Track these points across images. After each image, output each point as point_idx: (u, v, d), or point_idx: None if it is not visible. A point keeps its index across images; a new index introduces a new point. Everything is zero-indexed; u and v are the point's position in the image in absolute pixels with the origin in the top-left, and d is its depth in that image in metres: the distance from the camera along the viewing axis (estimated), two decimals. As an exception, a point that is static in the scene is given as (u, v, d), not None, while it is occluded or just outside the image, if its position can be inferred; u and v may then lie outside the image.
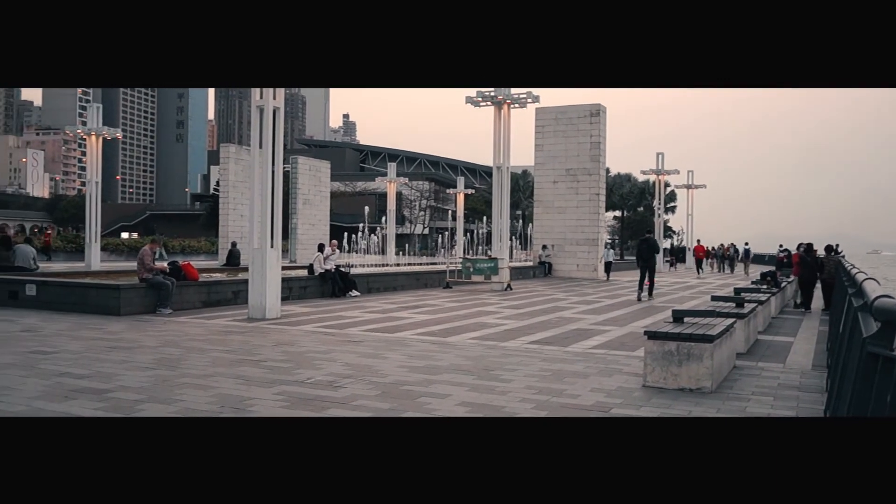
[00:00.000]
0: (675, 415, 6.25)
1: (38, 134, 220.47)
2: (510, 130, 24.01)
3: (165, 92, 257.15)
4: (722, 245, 46.61)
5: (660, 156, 47.52)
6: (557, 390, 7.20)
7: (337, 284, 18.84)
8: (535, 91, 23.99)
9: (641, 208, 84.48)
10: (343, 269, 19.76)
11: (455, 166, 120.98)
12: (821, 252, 19.33)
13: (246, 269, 15.28)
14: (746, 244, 44.64)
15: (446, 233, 59.86)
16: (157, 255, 16.44)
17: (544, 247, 33.64)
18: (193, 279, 15.92)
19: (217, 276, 20.01)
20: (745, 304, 10.93)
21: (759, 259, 55.25)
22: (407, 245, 56.44)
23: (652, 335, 7.51)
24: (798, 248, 21.07)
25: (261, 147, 13.93)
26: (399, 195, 55.57)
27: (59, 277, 17.33)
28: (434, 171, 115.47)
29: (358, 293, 19.29)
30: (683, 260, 51.68)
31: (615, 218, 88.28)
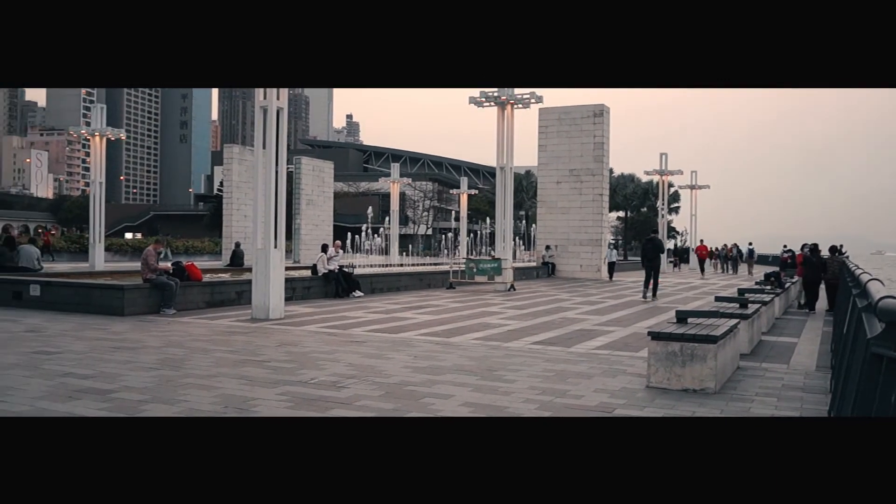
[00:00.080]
0: (679, 415, 6.24)
1: (42, 134, 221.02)
2: (513, 131, 24.01)
3: (169, 92, 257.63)
4: (725, 245, 46.52)
5: (663, 156, 47.48)
6: (561, 391, 7.20)
7: (340, 285, 18.84)
8: (539, 91, 23.99)
9: (645, 209, 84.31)
10: (346, 270, 19.77)
11: (458, 167, 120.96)
12: (825, 253, 19.29)
13: (249, 270, 15.30)
14: (750, 244, 44.54)
15: (450, 233, 59.85)
16: (161, 255, 16.47)
17: (548, 247, 33.62)
18: (197, 279, 15.95)
19: (221, 277, 20.04)
20: (749, 305, 10.91)
21: (763, 260, 55.14)
22: (410, 245, 56.44)
23: (656, 336, 7.50)
24: (802, 248, 21.05)
25: (264, 147, 13.95)
26: (402, 195, 55.64)
27: (62, 278, 17.38)
28: (437, 171, 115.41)
29: (361, 293, 19.30)
30: (687, 260, 51.59)
31: (618, 218, 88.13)
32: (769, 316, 13.36)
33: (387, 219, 45.22)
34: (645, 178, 67.30)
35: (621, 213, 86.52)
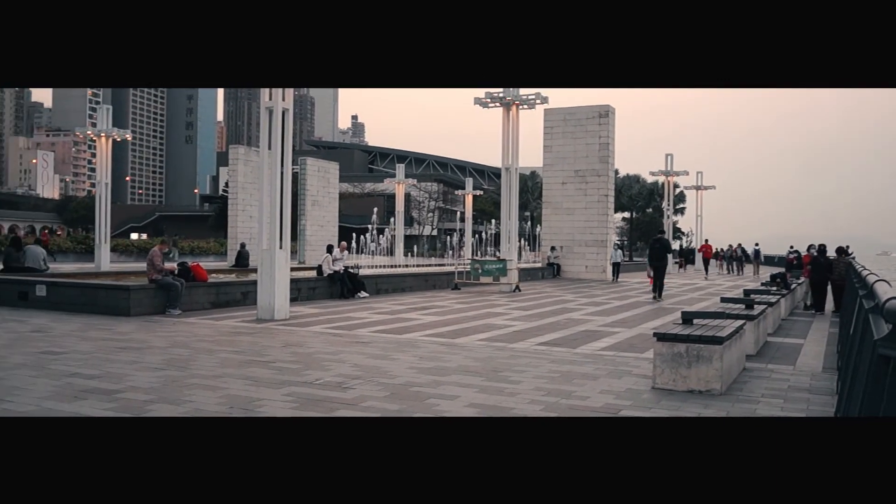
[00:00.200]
0: (685, 416, 6.22)
1: (48, 135, 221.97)
2: (519, 132, 23.98)
3: (174, 93, 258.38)
4: (730, 246, 46.38)
5: (669, 157, 47.38)
6: (566, 392, 7.19)
7: (345, 285, 18.86)
8: (544, 92, 23.94)
9: (650, 209, 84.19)
10: (352, 271, 19.78)
11: (463, 167, 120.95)
12: (831, 254, 19.22)
13: (255, 271, 15.33)
14: (756, 245, 44.43)
15: (455, 234, 59.85)
16: (170, 255, 16.52)
17: (553, 248, 33.58)
18: (202, 280, 15.98)
19: (226, 277, 20.08)
20: (755, 306, 10.88)
21: (769, 260, 54.99)
22: (415, 246, 56.43)
23: (661, 337, 7.48)
24: (808, 249, 20.96)
25: (270, 148, 13.97)
26: (407, 196, 55.68)
27: (68, 278, 17.42)
28: (442, 172, 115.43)
29: (366, 294, 19.31)
30: (693, 261, 51.49)
31: (624, 219, 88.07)
32: (775, 317, 13.32)
33: (392, 220, 45.23)
34: (650, 179, 67.30)
35: (626, 214, 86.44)
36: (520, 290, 22.50)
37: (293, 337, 11.25)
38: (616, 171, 50.21)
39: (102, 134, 30.17)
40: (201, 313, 14.53)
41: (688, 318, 8.13)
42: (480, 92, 24.53)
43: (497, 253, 29.60)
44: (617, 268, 31.84)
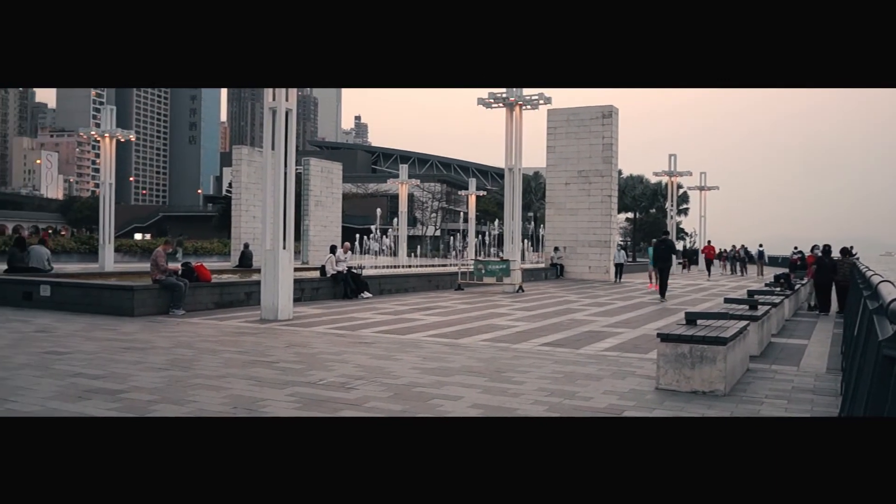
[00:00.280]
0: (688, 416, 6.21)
1: (52, 136, 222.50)
2: (522, 132, 23.97)
3: (178, 94, 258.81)
4: (734, 247, 46.32)
5: (672, 157, 47.31)
6: (570, 392, 7.18)
7: (349, 286, 18.87)
8: (547, 92, 23.95)
9: (654, 210, 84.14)
10: (355, 271, 19.79)
11: (467, 168, 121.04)
12: (836, 254, 19.18)
13: (258, 271, 15.33)
14: (760, 246, 44.37)
15: (458, 234, 59.87)
16: (175, 255, 16.56)
17: (556, 248, 33.56)
18: (206, 280, 16.00)
19: (229, 278, 20.11)
20: (759, 307, 10.86)
21: (773, 261, 54.91)
22: (419, 247, 56.45)
23: (665, 337, 7.47)
24: (812, 249, 20.94)
25: (273, 149, 13.98)
26: (411, 197, 55.62)
27: (73, 278, 17.46)
28: (446, 172, 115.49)
29: (370, 295, 19.32)
30: (696, 262, 51.44)
31: (627, 220, 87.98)
32: (779, 318, 13.29)
33: (395, 220, 45.25)
34: (654, 180, 67.17)
35: (630, 215, 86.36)
36: (523, 291, 22.49)
37: (297, 337, 11.26)
38: (619, 172, 50.20)
39: (106, 134, 30.23)
40: (205, 313, 14.55)
41: (691, 318, 8.11)
42: (484, 92, 24.55)
43: (500, 253, 29.61)
44: (620, 269, 31.81)
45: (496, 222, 53.38)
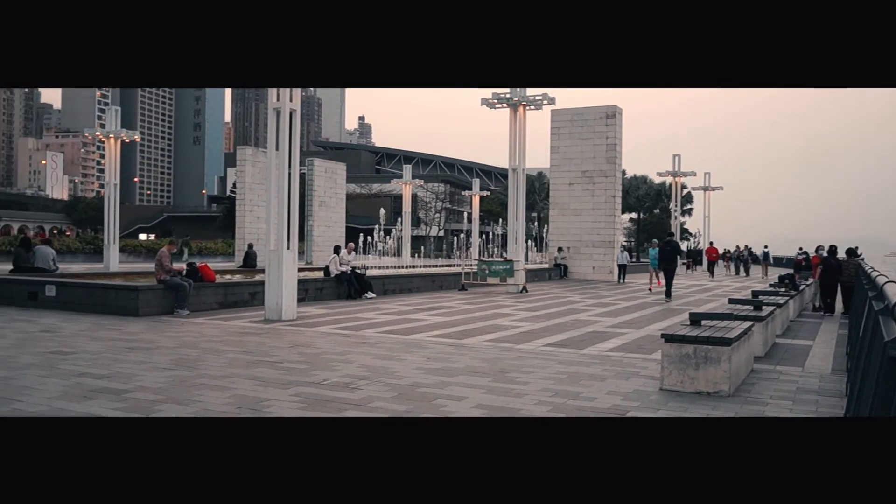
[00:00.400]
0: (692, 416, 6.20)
1: (57, 136, 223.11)
2: (526, 132, 23.96)
3: (182, 94, 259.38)
4: (737, 247, 46.24)
5: (676, 157, 47.29)
6: (574, 393, 7.18)
7: (353, 286, 18.89)
8: (551, 93, 23.92)
9: (657, 210, 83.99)
10: (359, 271, 19.81)
11: (470, 168, 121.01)
12: (841, 255, 19.13)
13: (262, 271, 15.37)
14: (766, 247, 44.28)
15: (462, 235, 59.86)
16: (181, 256, 16.60)
17: (560, 249, 33.54)
18: (210, 281, 16.03)
19: (234, 278, 20.14)
20: (763, 307, 10.84)
21: (777, 262, 54.81)
22: (422, 247, 56.49)
23: (669, 338, 7.46)
24: (817, 250, 20.89)
25: (277, 149, 14.00)
26: (414, 197, 55.70)
27: (78, 279, 17.51)
28: (449, 173, 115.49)
29: (373, 295, 19.33)
30: (701, 262, 51.38)
31: (631, 220, 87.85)
32: (783, 318, 13.27)
33: (399, 220, 45.25)
34: (658, 180, 67.03)
35: (634, 215, 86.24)
36: (527, 291, 22.48)
37: (301, 337, 11.27)
38: (623, 172, 50.10)
39: (111, 135, 30.31)
40: (209, 314, 14.58)
41: (696, 319, 8.10)
42: (487, 92, 24.56)
43: (504, 254, 29.58)
44: (623, 269, 31.78)
45: (500, 222, 53.39)
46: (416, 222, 65.70)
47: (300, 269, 16.34)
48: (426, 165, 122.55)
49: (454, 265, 34.57)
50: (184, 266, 16.27)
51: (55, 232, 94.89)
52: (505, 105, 23.95)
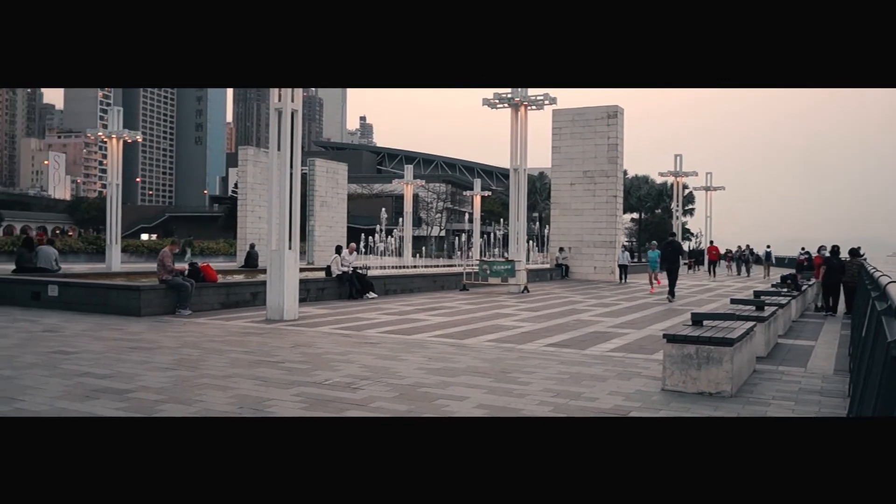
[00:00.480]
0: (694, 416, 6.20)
1: (59, 137, 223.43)
2: (527, 132, 23.96)
3: (184, 94, 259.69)
4: (739, 247, 46.21)
5: (678, 157, 47.28)
6: (575, 393, 7.17)
7: (354, 286, 18.89)
8: (552, 93, 23.92)
9: (659, 210, 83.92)
10: (360, 271, 19.82)
11: (472, 168, 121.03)
12: (844, 255, 19.10)
13: (264, 271, 15.37)
14: (768, 247, 44.25)
15: (463, 235, 59.86)
16: (184, 256, 16.62)
17: (561, 249, 33.53)
18: (212, 281, 16.04)
19: (235, 278, 20.16)
20: (766, 307, 10.83)
21: (779, 262, 54.77)
22: (424, 247, 56.56)
23: (671, 338, 7.46)
24: (819, 250, 20.85)
25: (279, 149, 14.01)
26: (416, 197, 55.68)
27: (80, 279, 17.53)
28: (451, 173, 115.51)
29: (375, 295, 19.34)
30: (703, 262, 51.36)
31: (632, 220, 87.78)
32: (786, 318, 13.25)
33: (400, 220, 45.29)
34: (659, 180, 66.99)
35: (635, 215, 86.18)
36: (528, 291, 22.47)
37: (302, 337, 11.28)
38: (625, 172, 50.08)
39: (113, 135, 30.35)
40: (211, 314, 14.59)
41: (698, 319, 8.10)
42: (489, 92, 24.56)
43: (505, 254, 29.59)
44: (624, 270, 31.75)
45: (501, 222, 53.41)
46: (417, 222, 65.71)
47: (302, 270, 16.35)
48: (427, 165, 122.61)
49: (455, 265, 34.57)
50: (186, 266, 16.28)
51: (58, 232, 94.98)
52: (506, 105, 23.95)
